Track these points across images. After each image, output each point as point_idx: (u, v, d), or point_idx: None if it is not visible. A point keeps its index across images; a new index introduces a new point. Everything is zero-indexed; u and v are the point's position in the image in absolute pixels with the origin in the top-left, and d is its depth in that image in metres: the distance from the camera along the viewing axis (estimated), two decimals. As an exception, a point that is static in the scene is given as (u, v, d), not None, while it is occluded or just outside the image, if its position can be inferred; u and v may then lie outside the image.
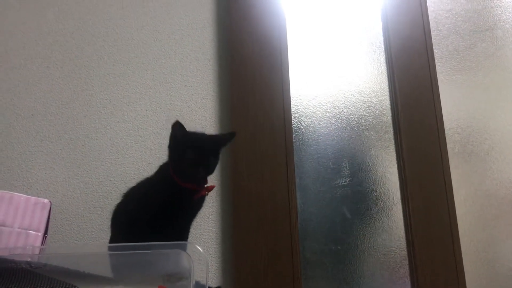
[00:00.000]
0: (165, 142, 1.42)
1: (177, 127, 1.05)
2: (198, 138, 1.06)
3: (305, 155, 1.53)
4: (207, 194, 1.09)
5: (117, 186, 1.34)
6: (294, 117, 1.54)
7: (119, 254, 0.99)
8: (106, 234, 1.10)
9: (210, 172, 1.05)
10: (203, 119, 1.48)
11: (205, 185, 1.07)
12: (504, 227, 1.55)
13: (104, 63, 1.48)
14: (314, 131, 1.55)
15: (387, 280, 1.46)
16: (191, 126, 1.43)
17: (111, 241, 1.11)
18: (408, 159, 1.52)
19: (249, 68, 1.52)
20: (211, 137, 1.10)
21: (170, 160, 1.06)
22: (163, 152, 1.41)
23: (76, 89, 1.44)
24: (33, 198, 0.97)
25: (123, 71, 1.48)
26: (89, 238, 1.23)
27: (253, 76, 1.51)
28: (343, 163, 1.53)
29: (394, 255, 1.48)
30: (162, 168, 1.10)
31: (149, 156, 1.42)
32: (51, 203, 1.01)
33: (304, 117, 1.56)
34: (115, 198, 1.12)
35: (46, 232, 0.99)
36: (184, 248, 0.97)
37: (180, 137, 1.04)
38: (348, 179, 1.52)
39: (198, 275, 0.91)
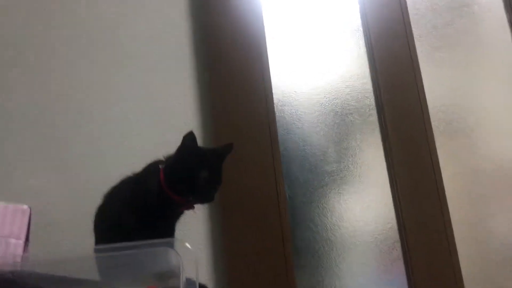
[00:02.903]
0: (147, 142, 1.41)
1: (190, 139, 0.99)
2: (211, 156, 1.01)
3: (290, 144, 1.51)
4: (194, 208, 1.04)
5: (100, 189, 1.30)
6: (276, 106, 1.52)
7: (105, 256, 0.96)
8: (91, 239, 1.08)
9: (217, 189, 1.01)
10: (185, 115, 1.45)
11: None
12: (493, 202, 1.55)
13: (80, 65, 1.44)
14: (298, 118, 1.54)
15: (380, 263, 1.45)
16: (173, 123, 1.41)
17: (96, 245, 1.08)
18: (394, 141, 1.52)
19: (228, 60, 1.49)
20: (216, 152, 1.04)
21: (173, 172, 1.00)
22: (145, 153, 1.35)
23: (53, 93, 1.41)
24: (11, 206, 0.94)
25: (100, 72, 1.45)
26: (74, 245, 1.20)
27: (232, 68, 1.49)
28: (329, 149, 1.52)
29: (386, 237, 1.47)
30: (150, 171, 1.05)
31: (131, 157, 1.37)
32: (30, 209, 0.98)
33: (287, 106, 1.55)
34: (98, 202, 1.10)
35: (27, 239, 0.96)
36: (172, 245, 0.95)
37: (193, 154, 0.99)
38: (335, 165, 1.51)
39: (188, 272, 0.89)
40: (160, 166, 1.04)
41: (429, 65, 1.62)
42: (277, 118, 1.50)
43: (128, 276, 1.03)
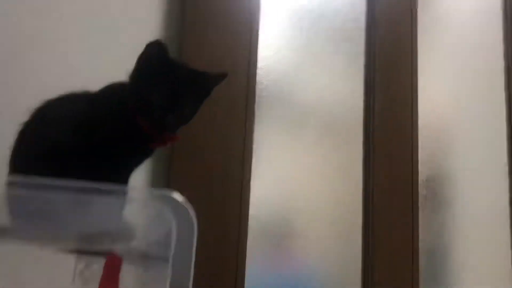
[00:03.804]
0: (97, 59, 1.05)
1: (156, 49, 0.73)
2: (178, 71, 0.75)
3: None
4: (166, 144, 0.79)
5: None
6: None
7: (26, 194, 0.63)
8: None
9: (184, 121, 0.75)
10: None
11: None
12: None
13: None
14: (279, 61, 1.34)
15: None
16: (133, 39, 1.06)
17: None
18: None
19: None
20: (195, 73, 0.77)
21: (133, 88, 0.74)
22: (91, 69, 1.03)
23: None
24: None
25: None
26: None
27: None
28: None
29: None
30: (114, 90, 0.77)
31: (72, 75, 1.03)
32: None
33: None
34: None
35: None
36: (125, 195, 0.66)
37: (153, 65, 0.73)
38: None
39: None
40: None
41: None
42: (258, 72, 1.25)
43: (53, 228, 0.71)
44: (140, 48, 0.79)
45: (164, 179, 1.11)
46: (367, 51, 1.40)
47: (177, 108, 0.73)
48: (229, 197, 1.15)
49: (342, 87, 1.40)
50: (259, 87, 1.25)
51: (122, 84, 0.77)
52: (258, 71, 1.25)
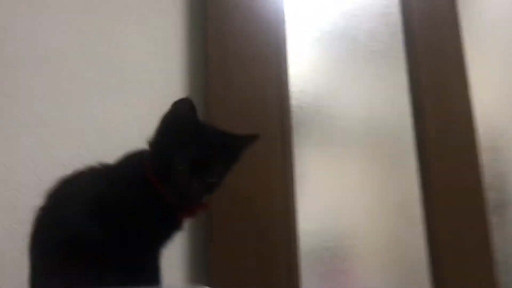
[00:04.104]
0: (111, 119, 0.95)
1: (184, 107, 0.67)
2: (204, 134, 0.68)
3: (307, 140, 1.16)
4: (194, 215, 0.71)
5: (40, 178, 0.89)
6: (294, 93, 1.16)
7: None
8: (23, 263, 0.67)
9: (210, 190, 0.68)
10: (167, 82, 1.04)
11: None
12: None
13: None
14: (317, 105, 1.20)
15: None
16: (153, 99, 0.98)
17: (32, 275, 0.67)
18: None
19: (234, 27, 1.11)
20: (223, 136, 0.70)
21: (155, 152, 0.69)
22: (109, 132, 0.96)
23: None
24: None
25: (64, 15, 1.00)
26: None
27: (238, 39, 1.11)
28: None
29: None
30: (131, 162, 0.70)
31: (91, 137, 0.96)
32: None
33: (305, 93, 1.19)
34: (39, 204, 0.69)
35: None
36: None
37: (178, 125, 0.67)
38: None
39: None
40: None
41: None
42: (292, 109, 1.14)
43: None
44: (163, 107, 0.72)
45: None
46: (409, 67, 1.27)
47: (202, 174, 0.65)
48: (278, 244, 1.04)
49: (385, 108, 1.27)
50: (294, 120, 1.15)
51: (141, 153, 0.70)
52: (292, 102, 1.15)
